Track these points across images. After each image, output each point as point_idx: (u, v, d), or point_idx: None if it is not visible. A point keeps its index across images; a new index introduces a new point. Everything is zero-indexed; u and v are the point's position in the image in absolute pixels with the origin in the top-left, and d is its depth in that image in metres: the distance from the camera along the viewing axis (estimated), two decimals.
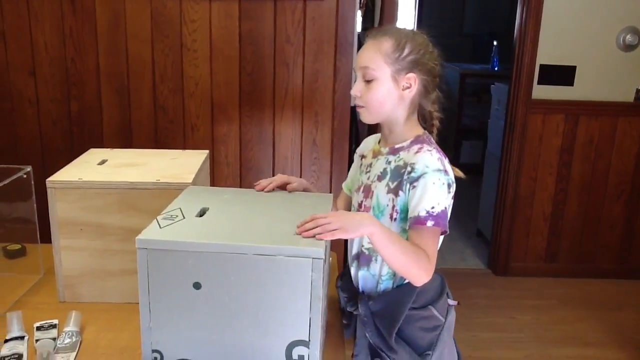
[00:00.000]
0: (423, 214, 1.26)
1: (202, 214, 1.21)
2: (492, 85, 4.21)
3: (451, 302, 1.44)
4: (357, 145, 3.14)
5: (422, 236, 1.27)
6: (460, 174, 1.40)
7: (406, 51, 1.34)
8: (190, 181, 1.45)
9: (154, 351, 1.12)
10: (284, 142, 2.68)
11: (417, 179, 1.28)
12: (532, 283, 3.63)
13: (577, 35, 3.37)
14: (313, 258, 1.05)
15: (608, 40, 3.38)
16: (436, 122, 1.44)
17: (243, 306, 1.08)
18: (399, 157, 1.37)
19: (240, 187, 2.70)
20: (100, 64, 2.60)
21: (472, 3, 6.36)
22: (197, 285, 1.08)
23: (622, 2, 3.31)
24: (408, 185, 1.30)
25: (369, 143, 1.55)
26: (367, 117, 1.40)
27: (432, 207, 1.27)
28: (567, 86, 3.44)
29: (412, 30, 1.41)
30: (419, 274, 1.25)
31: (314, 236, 1.10)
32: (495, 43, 5.57)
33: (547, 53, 3.39)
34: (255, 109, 2.64)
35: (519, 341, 2.98)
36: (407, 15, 6.18)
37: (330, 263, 1.48)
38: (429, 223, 1.26)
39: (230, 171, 2.70)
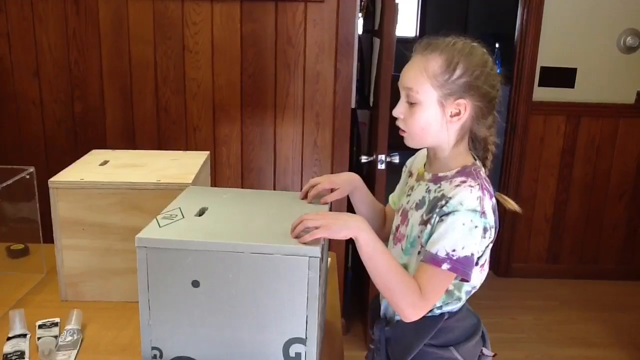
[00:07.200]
0: (442, 254, 1.13)
1: (201, 213, 1.22)
2: None
3: (486, 351, 1.33)
4: (358, 147, 3.16)
5: (428, 274, 1.14)
6: (515, 207, 1.28)
7: (458, 72, 1.18)
8: (191, 181, 1.47)
9: (153, 348, 1.14)
10: (285, 143, 2.69)
11: (447, 214, 1.14)
12: (534, 284, 3.64)
13: (578, 37, 3.38)
14: (310, 256, 1.06)
15: (609, 42, 3.38)
16: (492, 148, 1.29)
17: (241, 304, 1.10)
18: (439, 187, 1.22)
19: (242, 188, 2.72)
20: (103, 65, 2.62)
21: (475, 5, 6.36)
22: (195, 284, 1.09)
23: (623, 4, 3.32)
24: (437, 218, 1.17)
25: (418, 161, 1.41)
26: (410, 142, 1.27)
27: (454, 250, 1.13)
28: (568, 88, 3.45)
29: (470, 43, 1.22)
30: (402, 307, 1.13)
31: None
32: (497, 45, 5.57)
33: (548, 55, 3.40)
34: (256, 110, 2.66)
35: (521, 342, 2.99)
36: (408, 18, 6.18)
37: (328, 262, 1.49)
38: (445, 266, 1.12)
39: (231, 172, 2.72)
